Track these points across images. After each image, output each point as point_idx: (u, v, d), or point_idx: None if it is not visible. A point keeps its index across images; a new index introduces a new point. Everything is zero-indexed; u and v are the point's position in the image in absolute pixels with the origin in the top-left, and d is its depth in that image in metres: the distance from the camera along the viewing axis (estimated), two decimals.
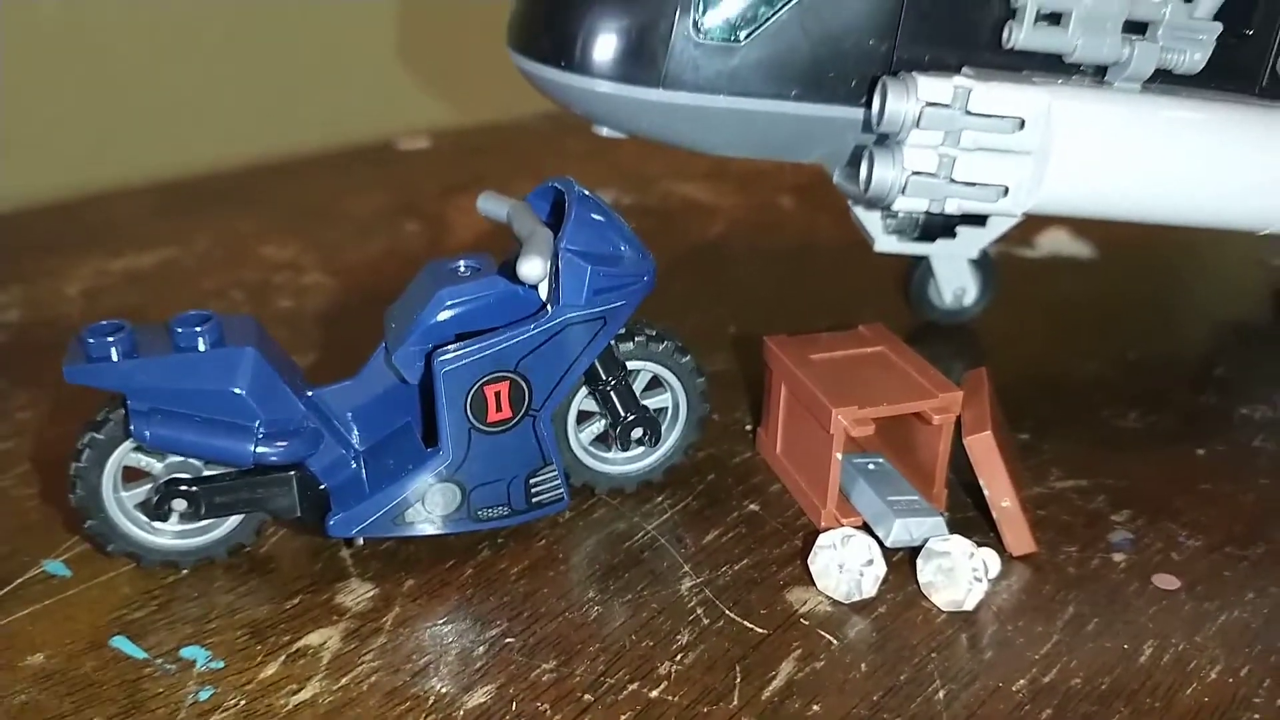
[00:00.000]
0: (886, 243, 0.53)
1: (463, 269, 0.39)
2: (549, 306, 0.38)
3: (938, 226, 0.52)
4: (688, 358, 0.43)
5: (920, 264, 0.58)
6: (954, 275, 0.57)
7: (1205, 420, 0.51)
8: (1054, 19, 0.44)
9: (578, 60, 0.46)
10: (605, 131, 0.49)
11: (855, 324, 0.47)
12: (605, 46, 0.45)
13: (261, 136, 0.87)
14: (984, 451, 0.39)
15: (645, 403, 0.43)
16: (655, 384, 0.44)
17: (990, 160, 0.43)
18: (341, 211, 0.74)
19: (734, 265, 0.68)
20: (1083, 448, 0.49)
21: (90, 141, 0.81)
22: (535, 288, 0.38)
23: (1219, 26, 0.44)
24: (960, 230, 0.53)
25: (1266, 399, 0.53)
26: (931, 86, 0.42)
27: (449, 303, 0.37)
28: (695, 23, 0.45)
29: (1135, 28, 0.44)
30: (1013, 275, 0.62)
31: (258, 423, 0.36)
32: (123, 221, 0.72)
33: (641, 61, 0.45)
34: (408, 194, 0.77)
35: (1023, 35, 0.43)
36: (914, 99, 0.42)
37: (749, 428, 0.50)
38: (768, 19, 0.45)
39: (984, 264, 0.58)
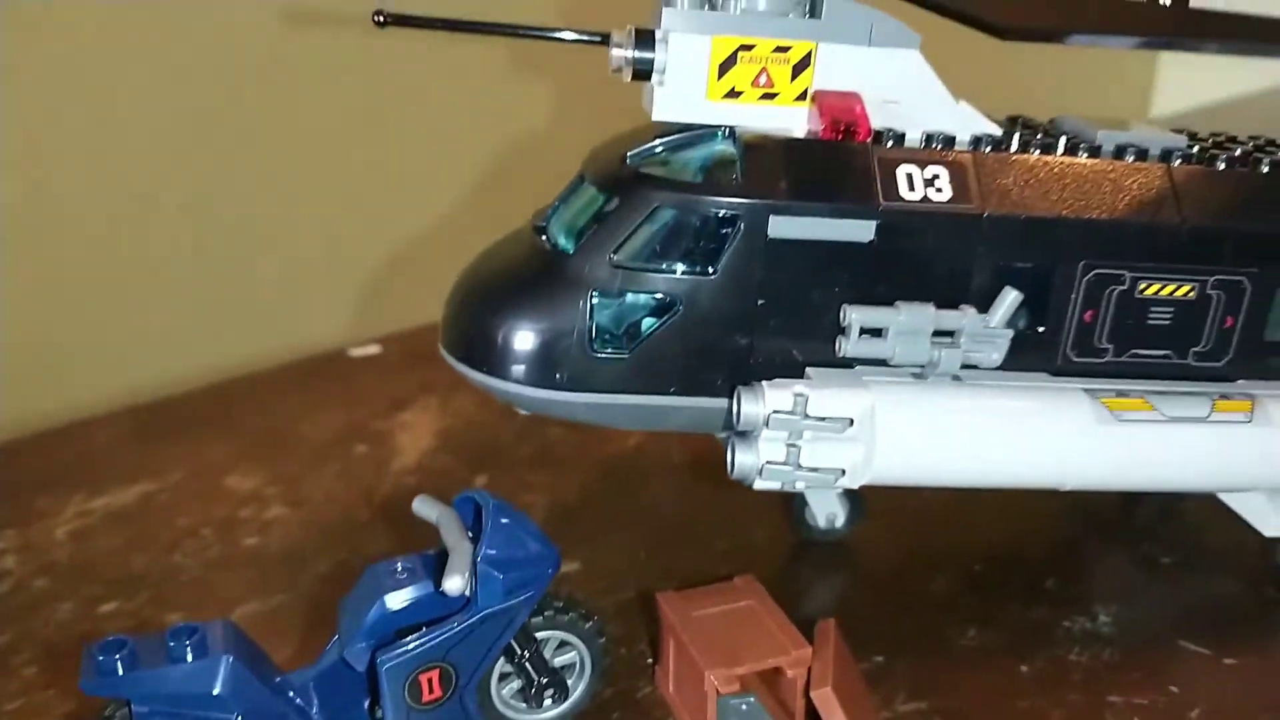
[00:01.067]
0: (763, 484, 0.63)
1: (400, 571, 0.48)
2: (471, 604, 0.47)
3: None
4: (590, 623, 0.52)
5: (797, 494, 0.68)
6: (826, 503, 0.68)
7: (1031, 635, 0.61)
8: (876, 332, 0.55)
9: (494, 368, 0.56)
10: (524, 411, 0.60)
11: (750, 542, 0.57)
12: (515, 360, 0.56)
13: (221, 354, 0.96)
14: (825, 703, 0.49)
15: (556, 662, 0.52)
16: (565, 642, 0.53)
17: (828, 449, 0.54)
18: (299, 435, 0.83)
19: (650, 480, 0.77)
20: (927, 668, 0.58)
21: (59, 368, 0.90)
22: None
23: (1011, 332, 0.55)
24: None
25: (1087, 610, 0.63)
26: (776, 396, 0.53)
27: (389, 607, 0.47)
28: (589, 342, 0.55)
29: (944, 335, 0.55)
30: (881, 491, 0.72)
31: (236, 715, 0.45)
32: (100, 453, 0.81)
33: (545, 371, 0.55)
34: (358, 411, 0.87)
35: (850, 347, 0.54)
36: (762, 406, 0.53)
37: (650, 660, 0.59)
38: (648, 336, 0.55)
39: (853, 493, 0.68)
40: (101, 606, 0.63)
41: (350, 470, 0.79)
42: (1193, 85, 2.14)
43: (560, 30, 0.58)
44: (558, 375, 0.56)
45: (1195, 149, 0.60)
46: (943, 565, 0.67)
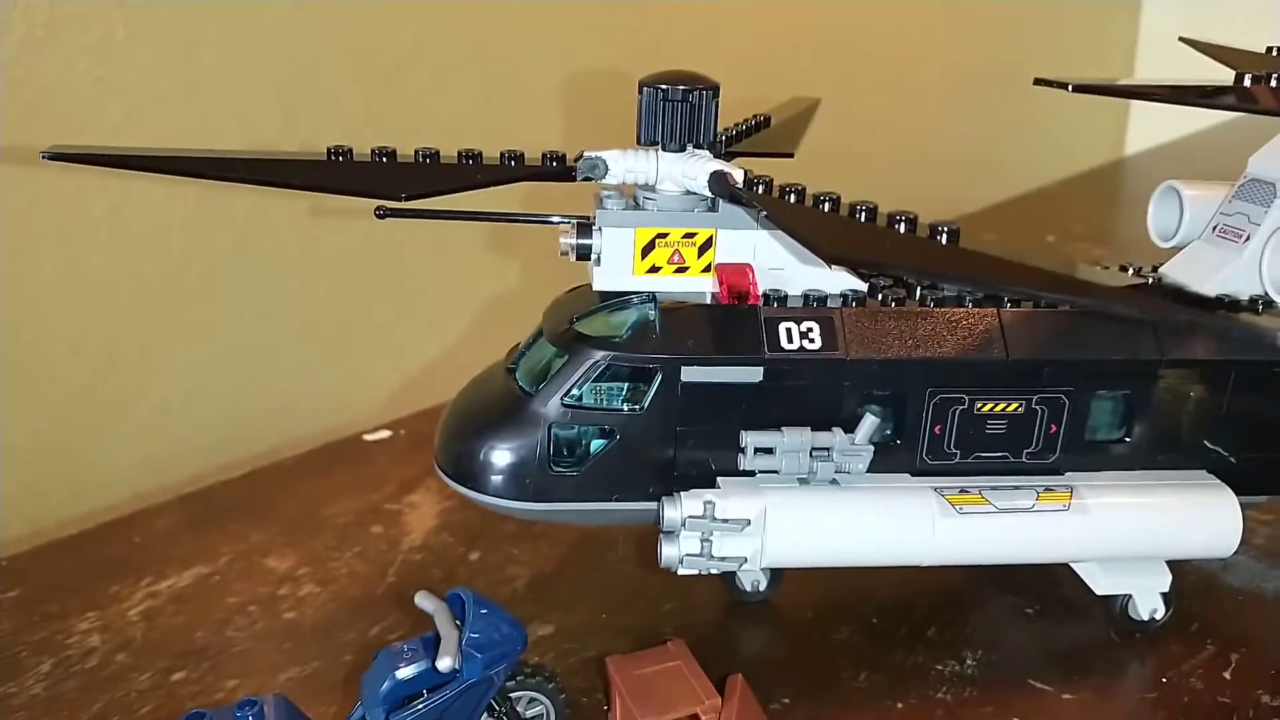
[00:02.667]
0: (685, 570, 0.79)
1: (406, 652, 0.64)
2: (459, 676, 0.63)
3: None
4: (553, 683, 0.68)
5: None
6: (749, 573, 0.83)
7: (910, 677, 0.77)
8: (768, 450, 0.71)
9: (476, 484, 0.73)
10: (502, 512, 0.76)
11: (692, 603, 0.72)
12: (491, 478, 0.72)
13: (251, 442, 1.13)
14: None
15: (529, 714, 0.68)
16: (534, 699, 0.69)
17: (733, 542, 0.70)
18: (323, 519, 0.99)
19: (612, 550, 0.93)
20: (823, 707, 0.74)
21: (114, 465, 1.07)
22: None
23: (871, 447, 0.71)
24: None
25: (958, 655, 0.79)
26: (690, 504, 0.69)
27: (399, 679, 0.63)
28: (548, 464, 0.71)
29: (820, 450, 0.71)
30: None
31: None
32: (159, 540, 0.97)
33: (515, 486, 0.72)
34: (373, 495, 1.03)
35: (747, 463, 0.70)
36: (680, 512, 0.69)
37: (605, 709, 0.75)
38: (594, 457, 0.72)
39: None
40: (173, 676, 0.79)
41: (368, 549, 0.95)
42: (1163, 122, 2.31)
43: (527, 215, 0.75)
44: (525, 489, 0.72)
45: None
46: (847, 618, 0.83)
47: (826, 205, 0.65)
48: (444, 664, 0.62)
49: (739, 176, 0.68)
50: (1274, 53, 0.87)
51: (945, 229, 0.58)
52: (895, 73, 1.75)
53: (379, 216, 0.73)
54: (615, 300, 0.74)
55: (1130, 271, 0.81)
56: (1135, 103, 2.42)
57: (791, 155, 0.85)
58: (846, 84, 1.52)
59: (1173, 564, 0.80)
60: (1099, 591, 0.78)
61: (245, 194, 1.05)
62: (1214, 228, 0.81)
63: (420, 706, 0.62)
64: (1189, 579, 0.87)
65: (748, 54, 1.47)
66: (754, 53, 1.49)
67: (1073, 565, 0.80)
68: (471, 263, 1.28)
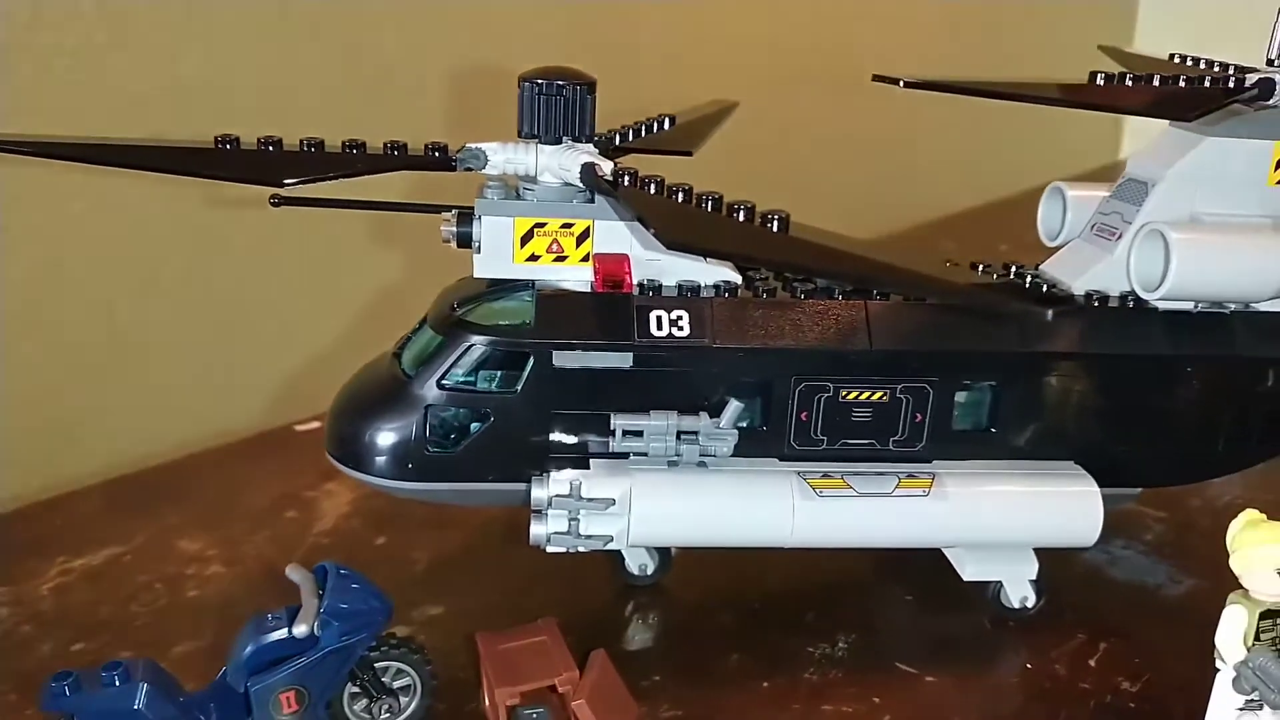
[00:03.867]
0: (553, 548, 0.80)
1: (270, 620, 0.67)
2: (317, 643, 0.65)
3: None
4: (418, 655, 0.71)
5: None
6: (637, 555, 0.86)
7: (781, 659, 0.79)
8: (636, 433, 0.73)
9: (360, 465, 0.75)
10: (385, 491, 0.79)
11: (585, 586, 0.75)
12: (374, 460, 0.75)
13: (187, 430, 1.16)
14: (581, 710, 0.67)
15: (396, 684, 0.70)
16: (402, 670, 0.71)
17: (599, 520, 0.72)
18: (243, 504, 1.02)
19: (516, 536, 0.95)
20: (691, 686, 0.76)
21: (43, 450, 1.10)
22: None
23: (736, 432, 0.73)
24: None
25: (830, 639, 0.81)
26: (557, 484, 0.71)
27: (260, 645, 0.65)
28: (426, 445, 0.74)
29: (687, 434, 0.74)
30: None
31: None
32: (81, 521, 1.00)
33: (396, 466, 0.74)
34: (294, 482, 1.05)
35: (616, 445, 0.73)
36: (546, 491, 0.71)
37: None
38: (471, 439, 0.74)
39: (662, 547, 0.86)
40: (72, 647, 0.82)
41: (279, 534, 0.97)
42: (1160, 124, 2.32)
43: (419, 205, 0.77)
44: (407, 469, 0.75)
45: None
46: (731, 602, 0.85)
47: (679, 196, 0.67)
48: (299, 630, 0.64)
49: (607, 168, 0.71)
50: (1176, 59, 0.90)
51: (775, 217, 0.61)
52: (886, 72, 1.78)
53: (273, 204, 0.75)
54: (499, 288, 0.76)
55: (980, 269, 0.83)
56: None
57: (690, 154, 0.87)
58: (835, 84, 1.54)
59: (1056, 555, 0.82)
60: (965, 577, 0.80)
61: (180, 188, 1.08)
62: (1092, 226, 0.84)
63: (275, 672, 0.65)
64: (1074, 570, 0.90)
65: (725, 58, 1.50)
66: (725, 55, 1.52)
67: (945, 552, 0.82)
68: (419, 253, 1.28)
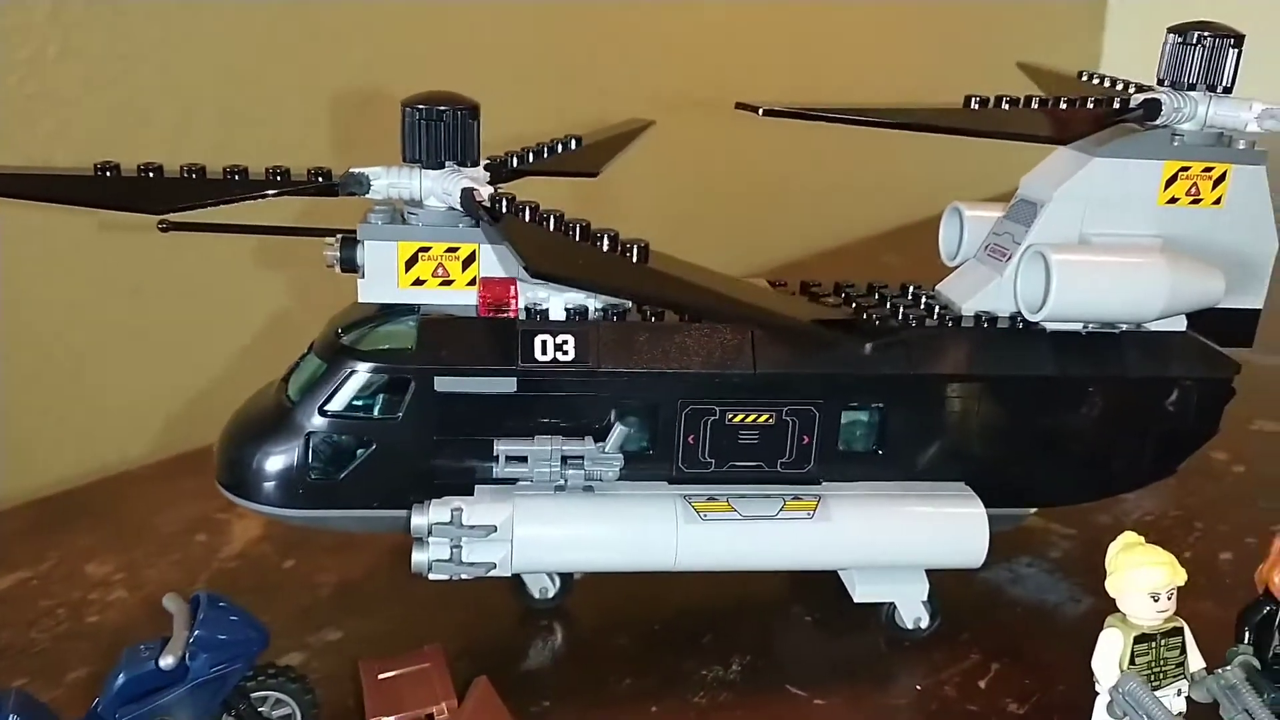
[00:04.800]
0: (435, 576, 0.79)
1: (144, 651, 0.66)
2: (186, 674, 0.65)
3: None
4: (297, 685, 0.70)
5: None
6: (537, 580, 0.85)
7: (674, 682, 0.78)
8: (520, 459, 0.73)
9: (247, 493, 0.75)
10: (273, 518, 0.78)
11: (486, 610, 0.75)
12: (260, 488, 0.74)
13: (110, 451, 1.15)
14: None
15: (276, 714, 0.70)
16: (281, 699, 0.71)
17: (481, 547, 0.72)
18: (153, 527, 1.01)
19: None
20: (580, 710, 0.76)
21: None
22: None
23: (621, 456, 0.73)
24: None
25: (725, 661, 0.81)
26: (437, 511, 0.71)
27: (131, 675, 0.65)
28: (310, 472, 0.73)
29: (573, 459, 0.73)
30: None
31: None
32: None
33: (280, 495, 0.74)
34: (208, 505, 1.05)
35: (499, 471, 0.73)
36: (426, 518, 0.71)
37: None
38: (354, 465, 0.74)
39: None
40: None
41: (187, 557, 0.97)
42: None
43: (307, 229, 0.77)
44: (290, 497, 0.74)
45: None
46: (631, 625, 0.85)
47: (550, 222, 0.67)
48: (164, 662, 0.64)
49: (485, 193, 0.71)
50: (1083, 77, 0.90)
51: (635, 246, 0.61)
52: (874, 76, 1.79)
53: (161, 229, 0.75)
54: (386, 313, 0.76)
55: (877, 292, 0.83)
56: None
57: (594, 175, 0.87)
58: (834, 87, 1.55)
59: (958, 573, 0.82)
60: (856, 599, 0.80)
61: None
62: (985, 247, 0.84)
63: (144, 703, 0.64)
64: (975, 589, 0.90)
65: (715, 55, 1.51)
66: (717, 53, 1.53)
67: (839, 573, 0.82)
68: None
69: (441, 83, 0.75)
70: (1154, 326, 0.79)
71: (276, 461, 0.74)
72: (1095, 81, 0.88)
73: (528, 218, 0.68)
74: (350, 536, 0.99)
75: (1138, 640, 0.67)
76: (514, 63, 1.40)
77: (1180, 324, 0.80)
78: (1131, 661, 0.67)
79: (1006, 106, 0.72)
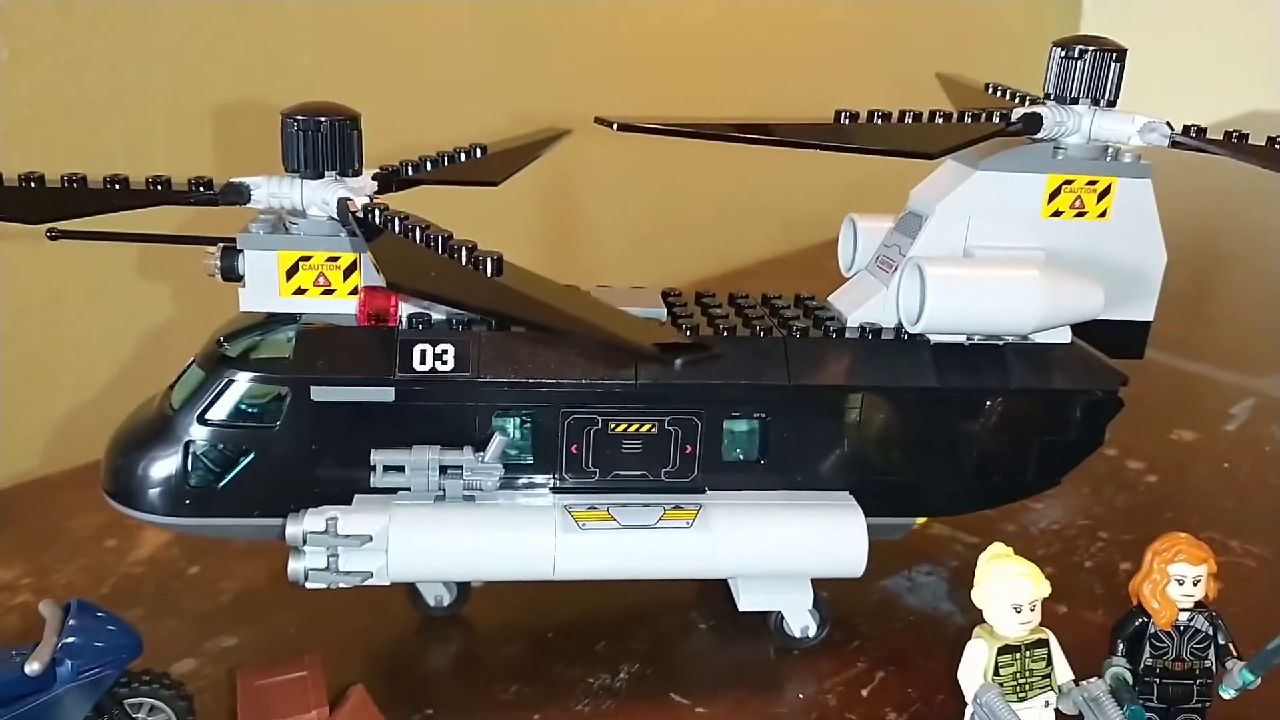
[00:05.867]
0: (312, 585, 0.79)
1: (14, 656, 0.67)
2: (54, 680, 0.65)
3: None
4: (171, 691, 0.71)
5: None
6: (432, 588, 0.86)
7: (559, 690, 0.79)
8: (398, 469, 0.73)
9: (129, 501, 0.75)
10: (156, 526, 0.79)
11: (383, 616, 0.76)
12: (143, 496, 0.75)
13: (28, 459, 1.16)
14: None
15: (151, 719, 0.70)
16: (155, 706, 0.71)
17: (357, 556, 0.72)
18: (64, 532, 1.01)
19: None
20: (462, 717, 0.76)
21: None
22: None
23: (501, 466, 0.74)
24: None
25: (613, 669, 0.81)
26: (312, 520, 0.72)
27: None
28: (188, 480, 0.74)
29: (453, 468, 0.74)
30: None
31: None
32: None
33: (162, 503, 0.74)
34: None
35: (376, 480, 0.73)
36: (300, 527, 0.71)
37: None
38: (234, 474, 0.74)
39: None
40: None
41: (95, 562, 0.97)
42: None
43: (193, 237, 0.78)
44: (171, 505, 0.75)
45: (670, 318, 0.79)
46: (524, 633, 0.85)
47: (416, 235, 0.67)
48: (30, 668, 0.64)
49: (359, 203, 0.71)
50: (989, 90, 0.91)
51: (489, 260, 0.61)
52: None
53: (50, 238, 0.75)
54: (270, 322, 0.76)
55: (769, 304, 0.84)
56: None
57: (495, 184, 0.87)
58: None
59: (855, 581, 0.82)
60: (740, 607, 0.80)
61: None
62: (876, 258, 0.84)
63: (17, 708, 0.65)
64: (871, 597, 0.90)
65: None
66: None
67: (729, 582, 0.82)
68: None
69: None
70: (1039, 338, 0.80)
71: (158, 470, 0.74)
72: (998, 95, 0.89)
73: (396, 229, 0.68)
74: (259, 543, 0.99)
75: (1002, 651, 0.67)
76: (473, 67, 1.41)
77: (1066, 336, 0.80)
78: (996, 672, 0.67)
79: (879, 121, 0.73)
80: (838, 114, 0.72)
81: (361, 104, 0.77)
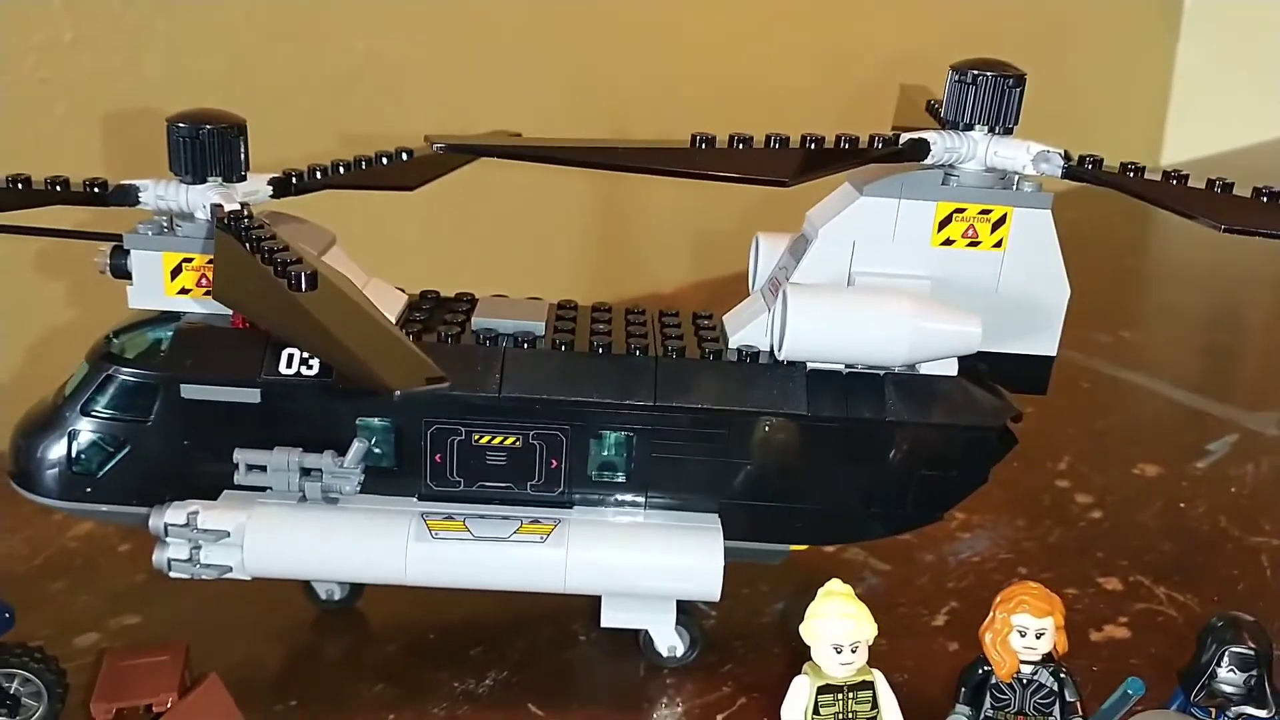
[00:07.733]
0: (176, 575, 0.81)
1: None
2: None
3: None
4: (41, 664, 0.74)
5: None
6: (323, 583, 0.88)
7: (421, 692, 0.80)
8: (260, 468, 0.75)
9: (25, 483, 0.79)
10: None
11: (280, 607, 0.79)
12: (34, 479, 0.78)
13: None
14: None
15: (24, 690, 0.74)
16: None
17: (218, 550, 0.75)
18: (17, 505, 1.03)
19: None
20: (321, 713, 0.78)
21: None
22: None
23: (361, 471, 0.75)
24: None
25: (480, 675, 0.82)
26: (174, 513, 0.74)
27: None
28: (72, 468, 0.77)
29: (314, 471, 0.76)
30: None
31: None
32: None
33: (49, 485, 0.78)
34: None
35: (239, 478, 0.75)
36: (162, 519, 0.74)
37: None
38: (111, 464, 0.77)
39: None
40: None
41: (39, 534, 1.02)
42: (1200, 137, 2.28)
43: (92, 233, 0.81)
44: (60, 489, 0.78)
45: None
46: (406, 632, 0.87)
47: (251, 244, 0.68)
48: None
49: (229, 209, 0.73)
50: (930, 108, 0.89)
51: (302, 275, 0.62)
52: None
53: None
54: (160, 320, 0.79)
55: (662, 321, 0.84)
56: (1171, 113, 2.38)
57: (410, 189, 0.89)
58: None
59: (752, 604, 0.81)
60: (602, 623, 0.80)
61: None
62: (768, 280, 0.83)
63: None
64: (762, 621, 0.89)
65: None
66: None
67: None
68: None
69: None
70: (925, 369, 0.78)
71: (47, 454, 0.78)
72: (928, 116, 0.87)
73: (243, 238, 0.70)
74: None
75: (823, 690, 0.66)
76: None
77: (951, 368, 0.78)
78: (816, 711, 0.67)
79: (739, 145, 0.72)
80: (693, 137, 0.71)
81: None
